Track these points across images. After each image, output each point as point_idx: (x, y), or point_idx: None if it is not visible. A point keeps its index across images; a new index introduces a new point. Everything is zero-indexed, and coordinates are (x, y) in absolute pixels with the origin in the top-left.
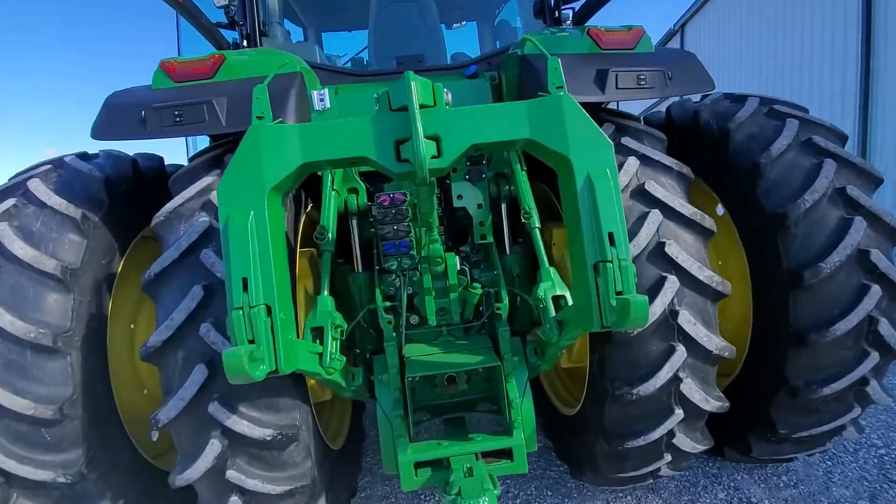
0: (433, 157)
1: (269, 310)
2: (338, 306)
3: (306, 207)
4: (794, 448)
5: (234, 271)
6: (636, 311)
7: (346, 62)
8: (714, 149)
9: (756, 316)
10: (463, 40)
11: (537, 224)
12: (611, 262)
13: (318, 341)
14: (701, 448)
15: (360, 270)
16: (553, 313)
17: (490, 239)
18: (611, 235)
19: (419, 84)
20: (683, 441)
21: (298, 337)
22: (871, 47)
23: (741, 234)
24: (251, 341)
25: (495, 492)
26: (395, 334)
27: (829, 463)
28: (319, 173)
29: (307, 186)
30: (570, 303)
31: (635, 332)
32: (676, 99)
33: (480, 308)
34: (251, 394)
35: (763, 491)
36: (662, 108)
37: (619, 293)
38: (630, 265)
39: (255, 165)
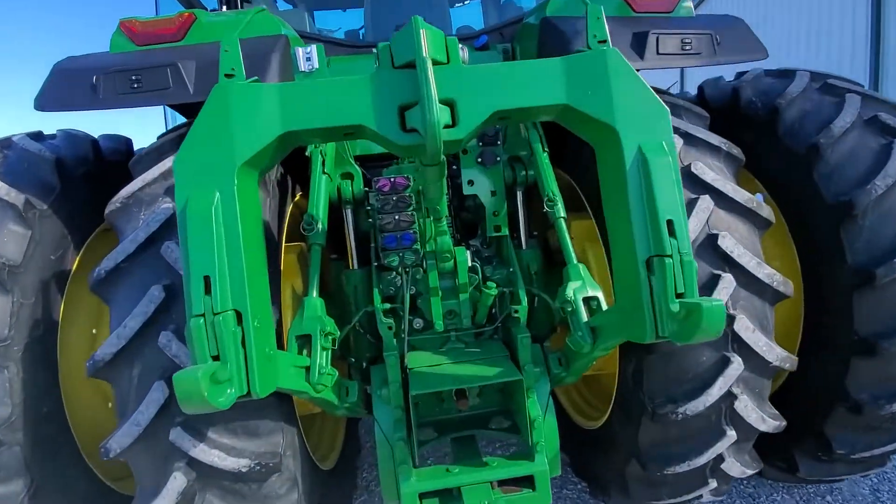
0: (447, 127)
1: (238, 317)
2: (330, 309)
3: (294, 195)
4: (847, 469)
5: (193, 268)
6: (710, 320)
7: (340, 34)
8: (758, 130)
9: (808, 319)
10: (467, 17)
11: (563, 213)
12: (670, 256)
13: (305, 352)
14: (750, 472)
15: (356, 267)
16: (585, 318)
17: (505, 231)
18: (670, 224)
19: (430, 34)
20: (732, 466)
21: (281, 348)
22: (881, 28)
23: (790, 226)
24: (215, 357)
25: None
26: (395, 341)
27: (875, 480)
28: (307, 152)
29: (295, 170)
30: (605, 306)
31: None
32: (680, 83)
33: (494, 310)
34: (223, 416)
35: None
36: (686, 87)
37: (679, 296)
38: (693, 261)
39: (221, 134)
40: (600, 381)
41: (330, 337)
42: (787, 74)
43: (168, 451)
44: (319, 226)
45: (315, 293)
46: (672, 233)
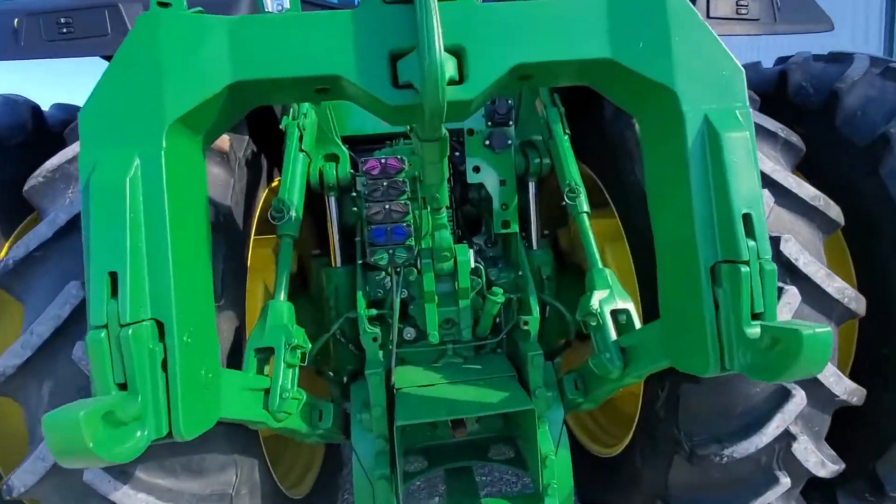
0: (452, 84)
1: (160, 329)
2: (311, 314)
3: (271, 179)
4: None
5: (94, 261)
6: (812, 354)
7: None
8: (810, 119)
9: (862, 343)
10: None
11: (585, 208)
12: (746, 263)
13: (266, 370)
14: None
15: (339, 265)
16: (613, 335)
17: (515, 228)
18: (747, 220)
19: None
20: None
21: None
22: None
23: (848, 231)
24: (123, 386)
25: None
26: (382, 354)
27: None
28: (282, 125)
29: (273, 148)
30: (637, 322)
31: None
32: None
33: (498, 320)
34: (155, 449)
35: None
36: None
37: (757, 316)
38: (775, 269)
39: (147, 80)
40: (616, 401)
41: (298, 351)
42: (841, 58)
43: (83, 493)
44: (292, 214)
45: (282, 295)
46: (750, 232)
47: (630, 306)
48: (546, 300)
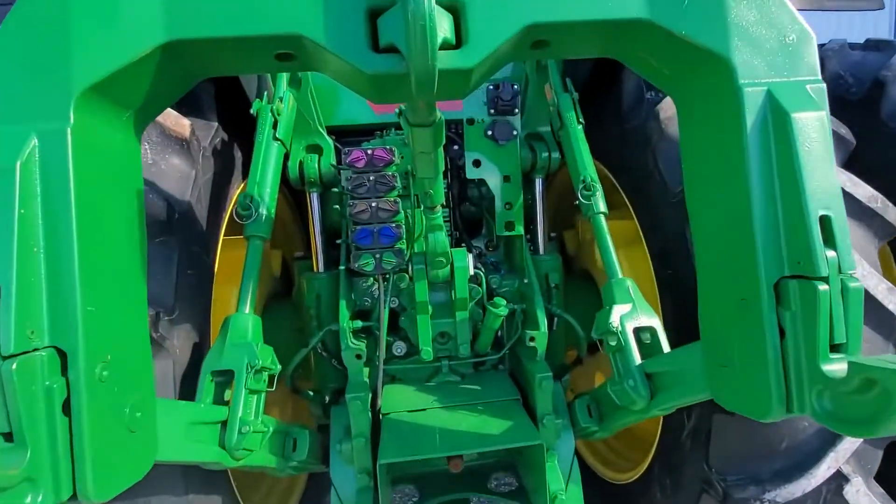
0: (447, 48)
1: (62, 361)
2: (288, 324)
3: (247, 174)
4: None
5: None
6: None
7: None
8: (851, 111)
9: None
10: None
11: (602, 208)
12: (823, 280)
13: (227, 395)
14: None
15: (322, 270)
16: (637, 359)
17: (519, 230)
18: (824, 223)
19: None
20: None
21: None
22: None
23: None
24: (7, 436)
25: None
26: (367, 373)
27: None
28: (254, 109)
29: (247, 137)
30: (664, 343)
31: None
32: None
33: (500, 334)
34: None
35: None
36: None
37: (836, 348)
38: (861, 288)
39: (48, 38)
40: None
41: (265, 374)
42: (881, 46)
43: None
44: (262, 212)
45: (247, 307)
46: (829, 239)
47: (656, 323)
48: (554, 312)
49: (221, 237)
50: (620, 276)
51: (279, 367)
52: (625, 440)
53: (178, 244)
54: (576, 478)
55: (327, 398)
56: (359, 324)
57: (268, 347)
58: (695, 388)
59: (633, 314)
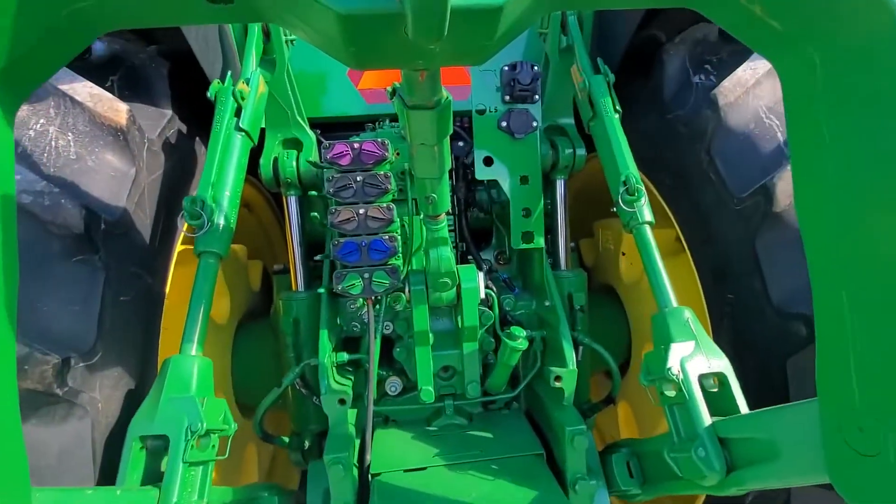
0: None
1: None
2: (268, 349)
3: None
4: None
5: None
6: None
7: None
8: None
9: None
10: None
11: (648, 217)
12: None
13: (163, 467)
14: None
15: (302, 289)
16: (706, 420)
17: (539, 242)
18: None
19: None
20: None
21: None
22: None
23: None
24: None
25: None
26: (352, 419)
27: None
28: (211, 93)
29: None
30: (739, 395)
31: None
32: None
33: (517, 370)
34: None
35: None
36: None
37: None
38: None
39: None
40: None
41: (214, 437)
42: None
43: None
44: (218, 221)
45: (194, 347)
46: None
47: (726, 367)
48: (581, 341)
49: (176, 251)
50: (675, 304)
51: (234, 425)
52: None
53: (106, 264)
54: None
55: (307, 443)
56: (344, 357)
57: (219, 401)
58: (796, 468)
59: (695, 356)
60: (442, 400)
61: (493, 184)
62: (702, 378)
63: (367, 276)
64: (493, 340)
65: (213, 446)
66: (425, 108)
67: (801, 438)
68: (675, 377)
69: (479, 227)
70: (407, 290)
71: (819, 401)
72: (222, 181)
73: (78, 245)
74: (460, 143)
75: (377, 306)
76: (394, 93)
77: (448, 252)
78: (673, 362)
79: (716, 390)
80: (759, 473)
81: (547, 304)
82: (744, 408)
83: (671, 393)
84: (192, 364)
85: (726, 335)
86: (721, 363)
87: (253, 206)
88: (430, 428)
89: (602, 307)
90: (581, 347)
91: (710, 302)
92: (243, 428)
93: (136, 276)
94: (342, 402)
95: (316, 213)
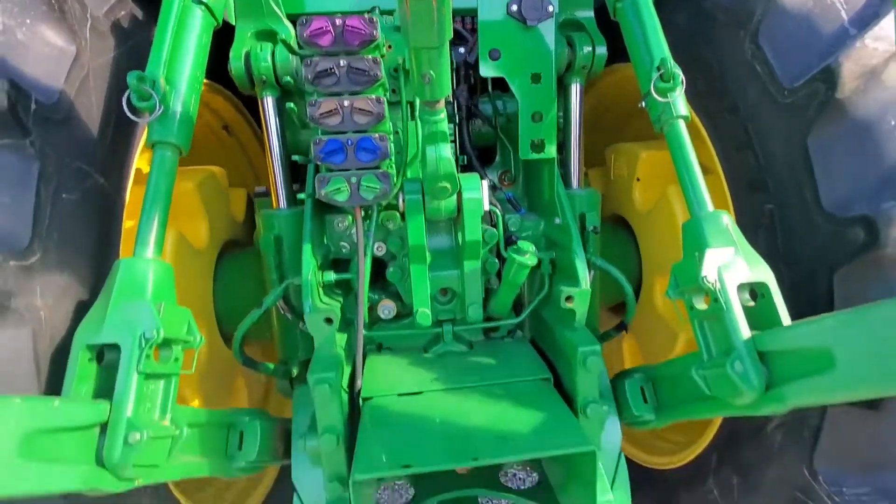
0: None
1: None
2: (252, 279)
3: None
4: None
5: None
6: None
7: None
8: None
9: None
10: None
11: (684, 111)
12: None
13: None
14: None
15: (284, 205)
16: (746, 331)
17: (551, 152)
18: None
19: None
20: None
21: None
22: None
23: None
24: None
25: None
26: (342, 342)
27: None
28: None
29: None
30: (782, 307)
31: None
32: None
33: (521, 291)
34: None
35: None
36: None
37: None
38: None
39: None
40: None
41: (175, 349)
42: None
43: None
44: (175, 106)
45: (150, 249)
46: None
47: (768, 276)
48: (593, 262)
49: (137, 152)
50: (712, 208)
51: (200, 338)
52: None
53: (41, 152)
54: (623, 480)
55: (295, 371)
56: (331, 276)
57: (182, 310)
58: (850, 379)
59: (734, 263)
60: (440, 326)
61: (499, 87)
62: (739, 289)
63: (354, 180)
64: (496, 262)
65: (177, 359)
66: None
67: (859, 346)
68: (710, 286)
69: (481, 143)
70: (401, 200)
71: None
72: (178, 60)
73: (2, 125)
74: (461, 50)
75: (367, 221)
76: None
77: (448, 151)
78: (708, 270)
79: (752, 304)
80: (804, 388)
81: (558, 221)
82: (787, 322)
83: (702, 306)
84: (146, 267)
85: (760, 250)
86: (763, 272)
87: (232, 127)
88: (427, 355)
89: (611, 238)
90: (592, 272)
91: (742, 215)
92: (230, 360)
93: (83, 172)
94: (329, 321)
95: (296, 119)
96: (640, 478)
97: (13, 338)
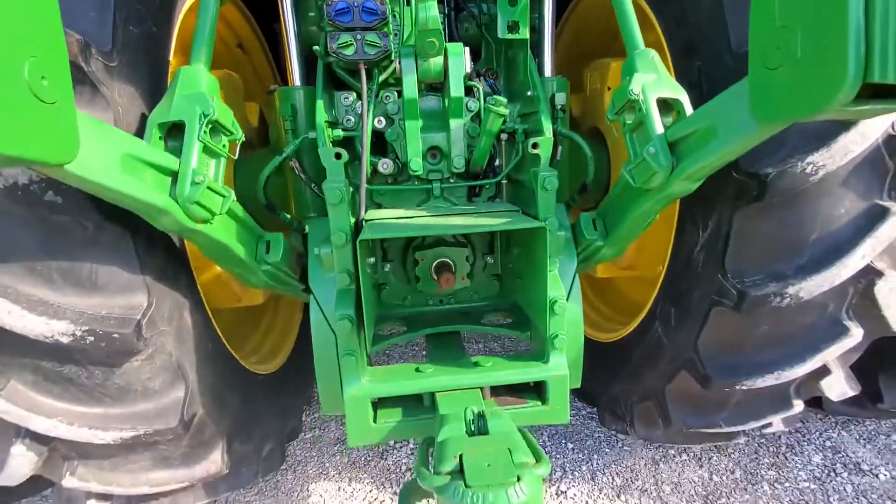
0: None
1: None
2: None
3: None
4: None
5: None
6: None
7: None
8: None
9: None
10: None
11: None
12: None
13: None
14: (850, 394)
15: (299, 84)
16: (660, 128)
17: (524, 33)
18: None
19: None
20: (833, 384)
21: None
22: None
23: None
24: None
25: (537, 471)
26: (345, 179)
27: None
28: None
29: None
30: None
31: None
32: None
33: (498, 163)
34: (24, 252)
35: (872, 454)
36: None
37: None
38: None
39: None
40: (622, 289)
41: (223, 136)
42: None
43: None
44: None
45: (202, 64)
46: None
47: (683, 97)
48: (561, 132)
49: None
50: (643, 47)
51: (241, 135)
52: (614, 305)
53: None
54: (577, 297)
55: (307, 227)
56: (339, 134)
57: (227, 108)
58: (726, 140)
59: (656, 84)
60: (430, 183)
61: None
62: (659, 104)
63: (359, 37)
64: (477, 127)
65: (224, 145)
66: None
67: (734, 112)
68: (635, 97)
69: (467, 43)
70: (398, 64)
71: (751, 47)
72: None
73: None
74: None
75: (370, 83)
76: None
77: (435, 10)
78: (634, 86)
79: (670, 121)
80: (699, 157)
81: (529, 93)
82: None
83: (632, 118)
84: (200, 72)
85: (694, 104)
86: (680, 93)
87: (248, 46)
88: (419, 208)
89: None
90: (559, 149)
91: (680, 79)
92: None
93: (141, 15)
94: (338, 156)
95: (313, 14)
96: (596, 352)
97: (101, 119)
